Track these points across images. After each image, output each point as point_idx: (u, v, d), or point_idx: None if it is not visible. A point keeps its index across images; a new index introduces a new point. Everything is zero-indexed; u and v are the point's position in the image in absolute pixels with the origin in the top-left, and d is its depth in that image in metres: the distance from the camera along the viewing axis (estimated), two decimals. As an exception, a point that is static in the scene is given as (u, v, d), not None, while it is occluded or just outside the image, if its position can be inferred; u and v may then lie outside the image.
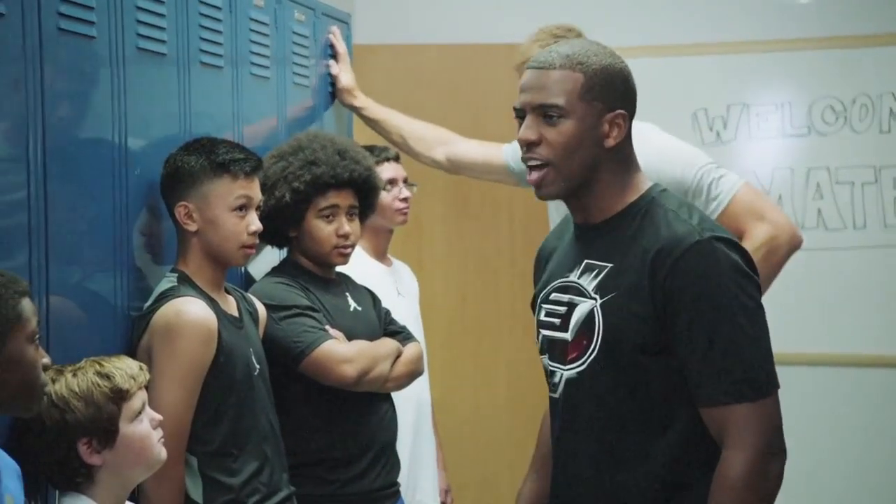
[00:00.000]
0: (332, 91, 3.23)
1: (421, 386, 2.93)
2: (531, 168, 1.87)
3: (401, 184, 3.06)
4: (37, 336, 1.61)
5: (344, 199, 2.59)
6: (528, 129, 1.85)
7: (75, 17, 1.96)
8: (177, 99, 2.33)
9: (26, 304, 1.59)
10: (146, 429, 1.87)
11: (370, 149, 2.94)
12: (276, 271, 2.63)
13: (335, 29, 3.24)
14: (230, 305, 2.28)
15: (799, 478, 3.80)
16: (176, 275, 2.20)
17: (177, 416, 2.07)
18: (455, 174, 3.32)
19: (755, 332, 1.79)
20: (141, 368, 1.90)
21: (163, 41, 2.25)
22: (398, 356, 2.60)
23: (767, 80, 4.06)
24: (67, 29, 1.94)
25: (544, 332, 1.95)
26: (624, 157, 1.88)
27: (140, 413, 1.87)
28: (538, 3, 3.88)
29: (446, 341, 3.89)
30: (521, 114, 1.88)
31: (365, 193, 2.65)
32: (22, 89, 1.82)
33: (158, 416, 1.92)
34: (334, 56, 3.23)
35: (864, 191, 3.97)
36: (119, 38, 2.09)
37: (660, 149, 2.62)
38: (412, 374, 2.65)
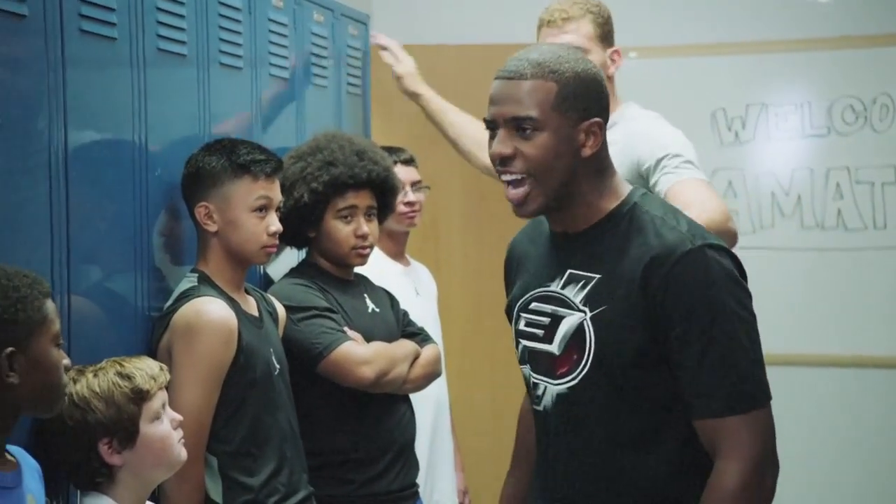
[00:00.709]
0: (356, 90, 3.23)
1: (439, 387, 2.92)
2: (508, 184, 1.78)
3: (407, 187, 3.04)
4: (60, 338, 1.62)
5: (362, 199, 2.59)
6: (502, 144, 1.77)
7: (96, 19, 1.96)
8: (196, 100, 2.34)
9: (50, 306, 1.60)
10: (166, 429, 1.88)
11: (386, 150, 2.94)
12: (294, 272, 2.63)
13: (376, 33, 3.30)
14: (250, 305, 2.29)
15: (813, 477, 3.80)
16: (196, 275, 2.20)
17: (197, 416, 2.07)
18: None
19: (748, 343, 1.75)
20: (161, 369, 1.91)
21: (183, 42, 2.26)
22: (416, 357, 2.59)
23: (787, 80, 4.04)
24: (88, 30, 1.94)
25: (525, 342, 1.88)
26: (601, 164, 1.81)
27: (160, 413, 1.87)
28: (556, 4, 3.89)
29: (463, 343, 3.88)
30: (491, 125, 1.79)
31: (383, 194, 2.64)
32: (44, 90, 1.83)
33: (179, 417, 1.92)
34: (385, 49, 3.24)
35: (884, 191, 3.95)
36: (139, 39, 2.10)
37: (646, 129, 2.49)
38: (430, 376, 2.64)
